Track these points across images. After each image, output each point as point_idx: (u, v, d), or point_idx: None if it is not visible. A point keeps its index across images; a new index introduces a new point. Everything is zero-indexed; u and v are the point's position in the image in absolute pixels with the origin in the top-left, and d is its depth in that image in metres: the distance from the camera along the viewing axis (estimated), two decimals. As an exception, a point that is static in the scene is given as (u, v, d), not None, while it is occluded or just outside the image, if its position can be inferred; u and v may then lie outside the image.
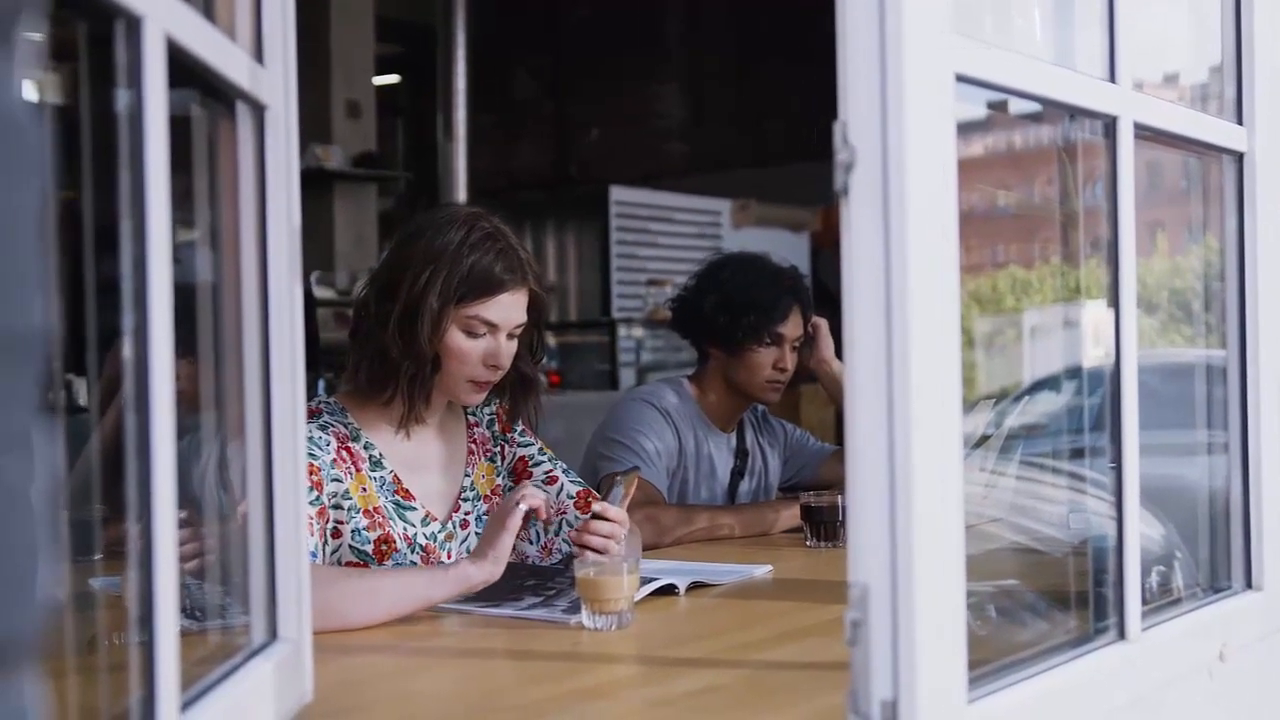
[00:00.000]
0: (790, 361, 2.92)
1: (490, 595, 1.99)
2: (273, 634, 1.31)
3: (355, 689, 1.53)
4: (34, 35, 0.58)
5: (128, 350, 0.95)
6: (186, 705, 1.04)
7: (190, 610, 1.32)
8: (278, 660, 1.27)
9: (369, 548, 2.06)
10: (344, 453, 2.08)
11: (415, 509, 2.13)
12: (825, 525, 2.57)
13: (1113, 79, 1.44)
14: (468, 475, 2.23)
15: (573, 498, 2.25)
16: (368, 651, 1.73)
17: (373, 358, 2.09)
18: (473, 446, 2.26)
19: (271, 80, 1.30)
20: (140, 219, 0.95)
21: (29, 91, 0.56)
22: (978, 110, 1.33)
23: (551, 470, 2.28)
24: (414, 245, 2.08)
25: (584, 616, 1.80)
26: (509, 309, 2.09)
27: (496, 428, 2.30)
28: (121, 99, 0.96)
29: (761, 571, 2.27)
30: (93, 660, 1.16)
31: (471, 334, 2.08)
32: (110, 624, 1.34)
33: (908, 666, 1.09)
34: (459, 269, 2.04)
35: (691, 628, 1.91)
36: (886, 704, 1.10)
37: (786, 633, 1.83)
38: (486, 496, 2.25)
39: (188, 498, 1.08)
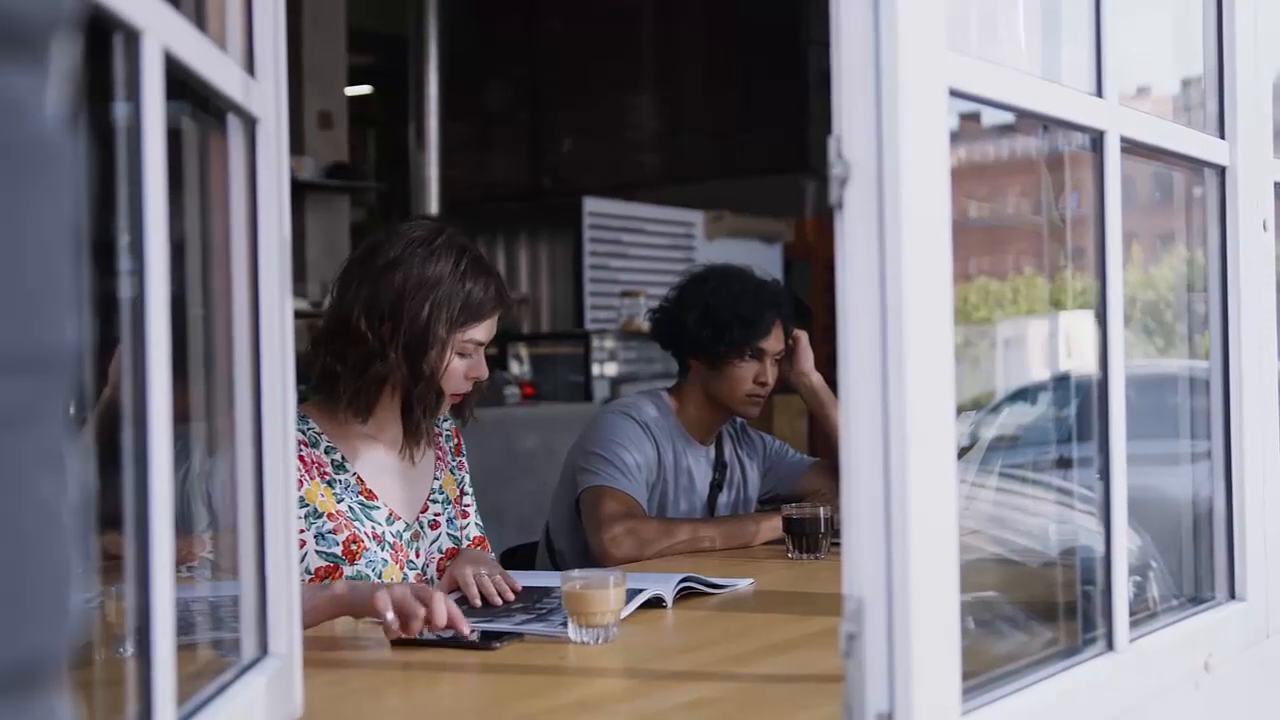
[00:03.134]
0: (771, 375, 2.91)
1: (482, 616, 1.98)
2: (263, 649, 1.30)
3: (344, 704, 1.52)
4: (66, 56, 0.57)
5: (125, 364, 0.94)
6: (181, 722, 1.03)
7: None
8: (269, 676, 1.26)
9: (338, 549, 2.10)
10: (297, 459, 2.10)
11: (379, 508, 2.18)
12: (807, 537, 2.57)
13: (1099, 93, 1.45)
14: (436, 478, 2.31)
15: (469, 540, 2.35)
16: (357, 667, 1.72)
17: (370, 382, 2.13)
18: (439, 454, 2.34)
19: (263, 93, 1.29)
20: (138, 232, 0.94)
21: (61, 110, 0.56)
22: (950, 121, 1.33)
23: (469, 506, 2.39)
24: (403, 273, 2.12)
25: (570, 630, 1.79)
26: (493, 327, 2.23)
27: (451, 445, 2.38)
28: (119, 111, 0.95)
29: (744, 585, 2.27)
30: (86, 675, 1.15)
31: (464, 355, 2.18)
32: (98, 639, 1.33)
33: (903, 679, 1.10)
34: (458, 298, 2.15)
35: (678, 641, 1.91)
36: (882, 716, 1.10)
37: (775, 645, 1.83)
38: (454, 501, 2.33)
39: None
